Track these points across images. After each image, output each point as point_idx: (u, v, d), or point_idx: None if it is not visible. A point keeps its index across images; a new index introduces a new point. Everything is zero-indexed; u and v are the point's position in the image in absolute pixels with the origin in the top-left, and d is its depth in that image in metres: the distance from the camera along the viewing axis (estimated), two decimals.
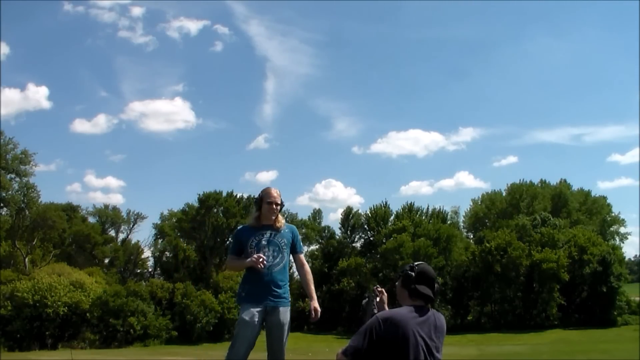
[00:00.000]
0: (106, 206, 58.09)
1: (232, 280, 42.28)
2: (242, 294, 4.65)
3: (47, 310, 36.24)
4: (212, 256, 50.82)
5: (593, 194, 62.40)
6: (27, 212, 43.51)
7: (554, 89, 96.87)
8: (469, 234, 61.07)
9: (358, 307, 3.76)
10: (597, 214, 60.37)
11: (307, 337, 39.29)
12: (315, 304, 4.65)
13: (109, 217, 57.11)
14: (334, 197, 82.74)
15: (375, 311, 3.49)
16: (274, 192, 4.73)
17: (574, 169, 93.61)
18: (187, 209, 52.51)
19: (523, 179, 61.02)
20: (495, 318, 47.87)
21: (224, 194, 51.66)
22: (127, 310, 38.46)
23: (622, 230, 63.58)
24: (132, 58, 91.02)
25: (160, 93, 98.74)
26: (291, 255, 4.84)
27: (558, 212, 56.31)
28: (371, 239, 53.60)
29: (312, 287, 4.74)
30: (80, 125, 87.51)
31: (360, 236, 56.23)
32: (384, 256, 47.20)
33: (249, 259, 4.54)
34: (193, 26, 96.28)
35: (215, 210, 51.11)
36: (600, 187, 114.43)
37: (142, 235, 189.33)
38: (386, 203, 55.04)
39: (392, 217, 53.58)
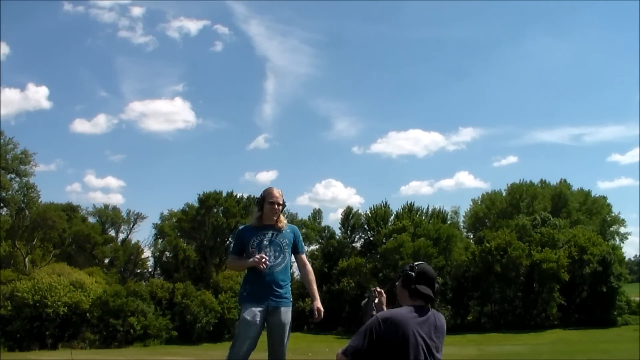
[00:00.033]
0: (106, 206, 58.19)
1: (232, 280, 42.30)
2: (244, 293, 4.65)
3: (47, 310, 36.26)
4: (212, 256, 50.83)
5: (593, 194, 62.57)
6: (27, 212, 43.54)
7: (554, 89, 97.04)
8: (469, 234, 61.07)
9: (358, 307, 3.76)
10: (597, 214, 60.38)
11: (307, 337, 39.28)
12: (318, 304, 4.64)
13: (109, 217, 57.11)
14: (334, 197, 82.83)
15: (374, 312, 3.49)
16: (276, 192, 4.73)
17: (574, 169, 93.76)
18: (187, 209, 52.50)
19: (523, 179, 61.19)
20: (495, 318, 47.88)
21: (224, 194, 51.67)
22: (127, 310, 38.48)
23: (622, 230, 63.74)
24: (132, 58, 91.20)
25: (160, 93, 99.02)
26: (293, 255, 4.83)
27: (558, 212, 56.32)
28: (371, 239, 53.62)
29: (315, 287, 4.73)
30: (80, 125, 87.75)
31: (360, 236, 56.31)
32: (384, 256, 47.21)
33: (252, 259, 4.54)
34: (193, 26, 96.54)
35: (215, 210, 51.09)
36: (600, 187, 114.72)
37: (142, 235, 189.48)
38: (386, 203, 55.17)
39: (392, 217, 53.59)
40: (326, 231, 58.41)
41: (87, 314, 38.02)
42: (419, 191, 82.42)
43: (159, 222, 56.71)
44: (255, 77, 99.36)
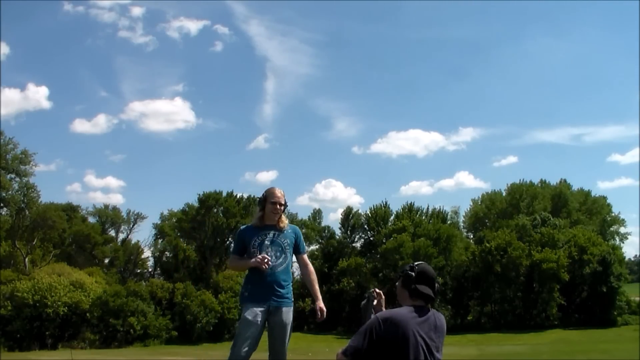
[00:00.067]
0: (106, 206, 58.14)
1: (232, 280, 42.29)
2: (245, 293, 4.65)
3: (47, 310, 36.26)
4: (212, 256, 50.83)
5: (593, 194, 62.55)
6: (27, 212, 43.54)
7: (554, 89, 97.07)
8: (469, 234, 61.04)
9: (358, 307, 3.76)
10: (597, 214, 60.37)
11: (307, 337, 39.31)
12: (321, 304, 4.65)
13: (109, 217, 57.08)
14: (334, 197, 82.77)
15: (373, 313, 3.49)
16: (278, 192, 4.73)
17: (574, 169, 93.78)
18: (187, 209, 52.49)
19: (523, 179, 61.14)
20: (495, 318, 47.88)
21: (224, 194, 51.65)
22: (127, 310, 38.47)
23: (622, 230, 63.69)
24: (132, 58, 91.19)
25: (160, 93, 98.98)
26: (294, 256, 4.84)
27: (558, 212, 56.31)
28: (371, 239, 53.60)
29: (317, 287, 4.74)
30: (80, 125, 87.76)
31: (360, 236, 56.27)
32: (384, 256, 47.20)
33: (254, 259, 4.54)
34: (193, 26, 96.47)
35: (215, 210, 51.08)
36: (600, 187, 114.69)
37: (142, 235, 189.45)
38: (386, 203, 55.14)
39: (392, 217, 53.56)
40: (326, 231, 58.39)
41: (87, 314, 38.02)
42: (419, 191, 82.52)
43: (159, 222, 56.78)
44: (255, 77, 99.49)
